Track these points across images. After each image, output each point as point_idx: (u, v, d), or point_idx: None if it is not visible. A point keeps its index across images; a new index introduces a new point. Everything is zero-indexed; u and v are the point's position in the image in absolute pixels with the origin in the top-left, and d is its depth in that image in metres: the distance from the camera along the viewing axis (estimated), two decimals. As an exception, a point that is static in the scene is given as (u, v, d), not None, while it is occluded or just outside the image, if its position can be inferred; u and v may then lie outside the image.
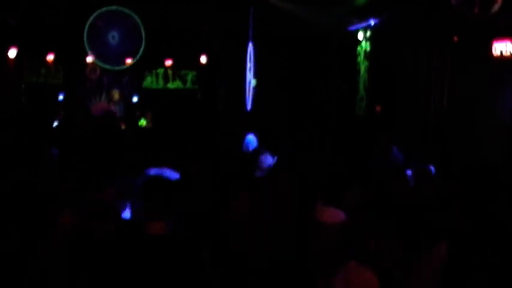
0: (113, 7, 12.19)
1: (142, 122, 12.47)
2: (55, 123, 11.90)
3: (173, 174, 5.15)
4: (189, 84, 13.72)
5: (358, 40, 10.73)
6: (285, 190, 5.26)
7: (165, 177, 3.34)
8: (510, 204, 4.46)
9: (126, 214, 4.42)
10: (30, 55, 12.44)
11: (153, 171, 5.11)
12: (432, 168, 5.57)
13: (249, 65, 10.73)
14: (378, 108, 10.20)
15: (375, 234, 3.60)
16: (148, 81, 13.58)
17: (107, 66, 12.65)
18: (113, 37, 12.51)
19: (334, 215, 3.63)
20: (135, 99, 13.37)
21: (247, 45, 10.72)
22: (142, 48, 12.43)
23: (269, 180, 5.47)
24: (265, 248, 4.47)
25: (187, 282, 2.81)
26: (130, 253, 2.83)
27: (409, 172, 5.51)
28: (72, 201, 3.60)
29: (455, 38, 8.18)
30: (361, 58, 10.75)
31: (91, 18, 12.14)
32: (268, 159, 6.52)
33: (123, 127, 12.07)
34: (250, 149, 8.84)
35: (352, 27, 10.88)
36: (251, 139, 8.97)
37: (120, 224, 3.88)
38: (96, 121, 11.62)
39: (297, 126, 10.68)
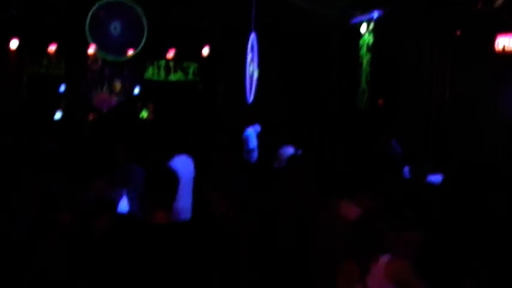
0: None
1: (144, 114, 12.46)
2: (57, 115, 11.91)
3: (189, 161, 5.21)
4: (190, 76, 13.68)
5: (361, 33, 10.68)
6: (300, 185, 5.30)
7: (169, 168, 3.33)
8: (510, 201, 4.46)
9: (123, 203, 4.43)
10: (32, 45, 12.42)
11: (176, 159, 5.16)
12: (439, 176, 5.54)
13: (250, 55, 10.66)
14: (380, 101, 10.18)
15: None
16: (150, 73, 13.54)
17: (109, 57, 12.63)
18: (115, 28, 12.48)
19: (355, 211, 3.72)
20: (136, 90, 13.35)
21: (249, 38, 10.63)
22: (144, 39, 12.40)
23: (286, 174, 5.47)
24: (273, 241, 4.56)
25: (191, 272, 2.82)
26: (134, 242, 2.84)
27: (406, 168, 5.52)
28: (71, 200, 3.60)
29: (458, 32, 8.14)
30: (363, 51, 10.71)
31: (93, 8, 12.11)
32: (290, 151, 6.49)
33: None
34: (250, 143, 8.87)
35: (355, 20, 10.82)
36: (250, 133, 8.99)
37: (120, 214, 3.88)
38: (104, 117, 11.66)
39: (297, 121, 10.65)
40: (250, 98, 10.68)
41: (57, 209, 3.46)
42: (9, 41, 11.97)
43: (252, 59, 10.69)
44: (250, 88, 10.80)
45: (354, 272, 3.15)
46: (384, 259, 3.14)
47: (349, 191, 4.22)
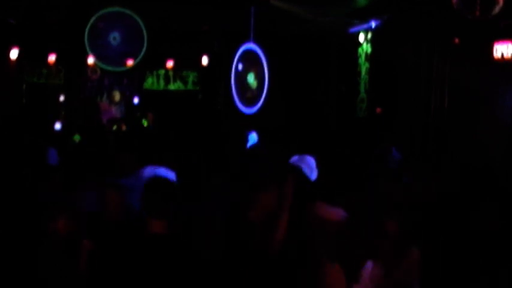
0: (114, 8, 12.17)
1: (144, 123, 12.47)
2: (57, 125, 11.91)
3: (169, 174, 5.10)
4: (190, 86, 13.70)
5: (359, 42, 10.72)
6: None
7: (165, 177, 3.32)
8: (510, 204, 4.46)
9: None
10: (31, 55, 12.45)
11: (148, 170, 5.05)
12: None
13: (241, 65, 10.57)
14: (378, 109, 10.19)
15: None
16: (149, 83, 13.57)
17: (108, 68, 12.64)
18: (114, 38, 12.50)
19: (335, 213, 3.71)
20: (136, 100, 13.37)
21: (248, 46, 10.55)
22: (143, 50, 12.41)
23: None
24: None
25: (188, 281, 2.80)
26: (132, 252, 2.82)
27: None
28: (65, 206, 3.56)
29: (456, 40, 8.17)
30: (362, 60, 10.75)
31: (92, 19, 12.13)
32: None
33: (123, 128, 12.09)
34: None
35: (353, 29, 10.87)
36: (253, 137, 9.00)
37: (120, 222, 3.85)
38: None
39: (295, 129, 10.62)
40: (250, 109, 10.58)
41: (50, 215, 3.41)
42: (9, 51, 11.99)
43: (248, 69, 10.60)
44: (249, 99, 10.68)
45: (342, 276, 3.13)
46: (369, 265, 3.14)
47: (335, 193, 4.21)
